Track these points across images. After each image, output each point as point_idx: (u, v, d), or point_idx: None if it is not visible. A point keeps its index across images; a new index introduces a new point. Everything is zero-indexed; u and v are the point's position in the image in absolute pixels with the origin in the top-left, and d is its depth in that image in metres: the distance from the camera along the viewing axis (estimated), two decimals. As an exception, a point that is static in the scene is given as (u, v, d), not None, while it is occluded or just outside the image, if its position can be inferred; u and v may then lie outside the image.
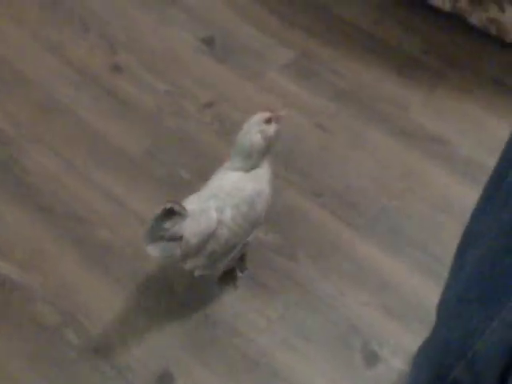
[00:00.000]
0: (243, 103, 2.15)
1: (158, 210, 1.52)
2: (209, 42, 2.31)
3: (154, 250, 1.57)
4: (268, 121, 1.65)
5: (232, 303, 1.74)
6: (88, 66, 2.25)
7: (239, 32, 2.34)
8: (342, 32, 2.33)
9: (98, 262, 1.81)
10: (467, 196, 1.35)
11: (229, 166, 1.68)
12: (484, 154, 1.98)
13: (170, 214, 1.55)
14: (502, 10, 2.14)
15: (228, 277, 1.77)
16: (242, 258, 1.78)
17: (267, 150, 1.66)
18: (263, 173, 1.67)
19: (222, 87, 2.19)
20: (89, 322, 1.70)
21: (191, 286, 1.77)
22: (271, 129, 1.64)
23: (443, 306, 1.37)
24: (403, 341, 1.67)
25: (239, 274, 1.79)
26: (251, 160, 1.65)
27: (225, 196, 1.63)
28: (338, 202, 1.92)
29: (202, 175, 1.95)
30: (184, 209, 1.58)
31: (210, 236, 1.61)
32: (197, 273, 1.67)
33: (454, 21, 2.29)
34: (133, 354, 1.66)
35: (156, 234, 1.55)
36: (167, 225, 1.55)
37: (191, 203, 1.62)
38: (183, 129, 2.09)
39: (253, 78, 2.21)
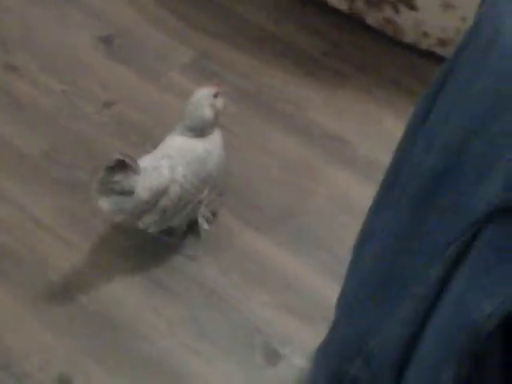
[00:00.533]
0: (143, 103, 2.12)
1: (109, 162, 1.56)
2: (108, 41, 2.28)
3: (104, 203, 1.61)
4: (215, 95, 1.74)
5: (134, 306, 1.72)
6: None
7: (139, 31, 2.32)
8: (242, 32, 2.33)
9: (-4, 266, 1.77)
10: (368, 196, 1.37)
11: (179, 133, 1.76)
12: (384, 154, 1.99)
13: (121, 167, 1.59)
14: (397, 11, 2.18)
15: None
16: (213, 213, 1.86)
17: (216, 121, 1.75)
18: (213, 138, 1.76)
19: (121, 87, 2.16)
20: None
21: (92, 290, 1.74)
22: (219, 102, 1.74)
23: (340, 305, 1.38)
24: (305, 339, 1.68)
25: (205, 226, 1.83)
26: (203, 132, 1.74)
27: (176, 155, 1.71)
28: (240, 202, 1.92)
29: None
30: (136, 163, 1.62)
31: (163, 193, 1.67)
32: (151, 229, 1.73)
33: (353, 21, 2.31)
34: (31, 360, 1.62)
35: (106, 186, 1.59)
36: (118, 177, 1.59)
37: (144, 161, 1.68)
38: (81, 130, 2.05)
39: (152, 78, 2.19)
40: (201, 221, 1.83)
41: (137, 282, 1.76)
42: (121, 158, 1.57)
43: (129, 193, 1.62)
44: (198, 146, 1.74)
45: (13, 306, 1.71)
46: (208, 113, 1.73)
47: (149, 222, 1.70)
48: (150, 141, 2.01)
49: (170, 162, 1.70)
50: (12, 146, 2.00)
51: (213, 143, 1.76)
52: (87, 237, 1.83)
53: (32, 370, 1.61)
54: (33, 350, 1.64)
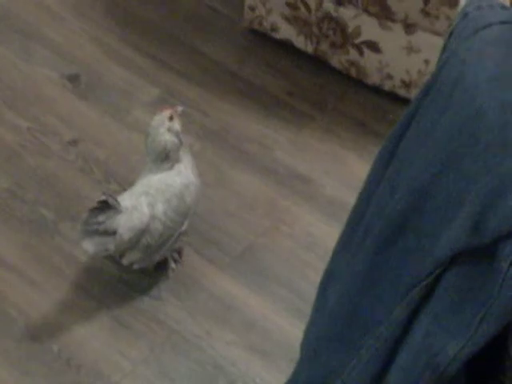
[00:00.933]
0: (108, 141, 2.12)
1: (94, 203, 1.57)
2: (73, 79, 2.28)
3: (88, 245, 1.61)
4: (171, 118, 1.72)
5: (96, 346, 1.71)
6: None
7: (104, 70, 2.32)
8: (208, 71, 2.35)
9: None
10: (331, 234, 1.38)
11: (150, 170, 1.74)
12: (347, 193, 2.02)
13: (104, 207, 1.59)
14: (361, 53, 2.21)
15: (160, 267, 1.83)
16: (179, 252, 1.86)
17: (179, 144, 1.73)
18: (185, 166, 1.75)
19: (87, 125, 2.16)
20: None
21: (55, 329, 1.72)
22: (176, 124, 1.72)
23: (305, 344, 1.38)
24: (269, 379, 1.68)
25: (172, 265, 1.83)
26: (169, 160, 1.72)
27: (155, 192, 1.71)
28: (202, 240, 1.91)
29: (66, 214, 1.93)
30: (118, 202, 1.63)
31: (144, 231, 1.68)
32: (135, 266, 1.74)
33: (317, 63, 2.34)
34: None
35: (90, 227, 1.59)
36: (101, 218, 1.59)
37: (123, 200, 1.67)
38: (46, 167, 2.04)
39: (117, 116, 2.19)
40: (170, 260, 1.83)
41: (100, 321, 1.75)
42: (104, 198, 1.58)
43: (112, 233, 1.62)
44: (176, 180, 1.73)
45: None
46: (167, 137, 1.71)
47: (132, 259, 1.71)
48: (115, 178, 2.02)
49: (149, 199, 1.70)
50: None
51: (187, 174, 1.75)
52: (51, 275, 1.81)
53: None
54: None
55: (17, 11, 2.46)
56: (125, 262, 1.71)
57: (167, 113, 1.73)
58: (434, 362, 0.96)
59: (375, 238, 1.08)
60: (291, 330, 1.75)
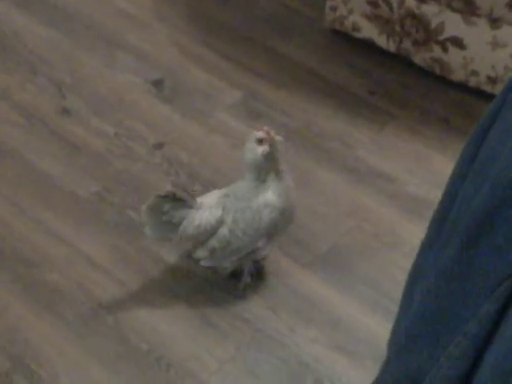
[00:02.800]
0: (192, 144, 2.16)
1: (161, 192, 1.63)
2: (157, 84, 2.32)
3: (148, 230, 1.68)
4: (260, 141, 1.66)
5: (183, 344, 1.73)
6: (36, 109, 2.25)
7: (187, 74, 2.36)
8: (289, 72, 2.36)
9: (48, 305, 1.79)
10: (415, 233, 1.38)
11: (243, 177, 1.74)
12: (431, 191, 2.01)
13: (172, 198, 1.65)
14: (445, 50, 2.19)
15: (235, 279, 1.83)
16: (258, 269, 1.85)
17: (264, 166, 1.67)
18: (273, 187, 1.70)
19: (171, 128, 2.20)
20: (39, 368, 1.68)
21: (142, 328, 1.75)
22: (259, 149, 1.65)
23: (392, 343, 1.37)
24: (355, 378, 1.67)
25: (247, 279, 1.82)
26: (254, 173, 1.69)
27: (234, 199, 1.71)
28: (286, 239, 1.92)
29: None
30: (188, 197, 1.68)
31: (211, 232, 1.70)
32: (202, 263, 1.76)
33: (400, 61, 2.33)
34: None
35: (154, 213, 1.65)
36: (166, 207, 1.64)
37: (206, 197, 1.73)
38: (132, 171, 2.09)
39: (201, 119, 2.22)
40: (245, 273, 1.82)
41: (188, 320, 1.77)
42: (172, 190, 1.64)
43: (177, 224, 1.67)
44: (259, 195, 1.69)
45: (63, 343, 1.72)
46: (248, 155, 1.67)
47: (200, 256, 1.74)
48: (199, 180, 2.05)
49: (226, 203, 1.71)
50: (65, 188, 2.04)
51: (276, 196, 1.70)
52: (139, 276, 1.85)
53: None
54: (85, 388, 1.66)
55: (100, 19, 2.53)
56: (194, 255, 1.75)
57: (258, 135, 1.66)
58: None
59: (462, 234, 1.07)
60: (377, 329, 1.74)
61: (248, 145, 1.68)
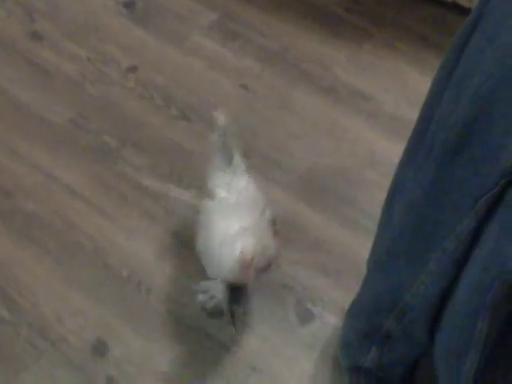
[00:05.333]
0: (167, 66, 2.12)
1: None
2: (129, 5, 2.27)
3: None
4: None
5: (165, 271, 1.73)
6: (5, 34, 2.19)
7: (160, -5, 2.31)
8: (264, -8, 2.31)
9: (27, 235, 1.78)
10: (394, 151, 1.37)
11: None
12: (409, 110, 1.99)
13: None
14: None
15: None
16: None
17: None
18: None
19: (145, 51, 2.16)
20: (20, 297, 1.68)
21: (123, 255, 1.75)
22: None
23: (372, 261, 1.38)
24: (337, 298, 1.68)
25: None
26: None
27: None
28: (265, 162, 1.91)
29: (128, 141, 1.94)
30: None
31: None
32: None
33: (376, -23, 2.29)
34: (66, 325, 1.64)
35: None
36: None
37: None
38: (107, 95, 2.05)
39: (175, 41, 2.18)
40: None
41: (166, 245, 1.77)
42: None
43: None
44: None
45: (44, 272, 1.72)
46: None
47: None
48: (175, 103, 2.02)
49: None
50: (39, 115, 2.00)
51: None
52: (117, 202, 1.84)
53: (67, 334, 1.63)
54: (66, 314, 1.66)
55: None
56: None
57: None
58: (504, 272, 0.95)
59: (440, 149, 1.06)
60: (358, 249, 1.74)
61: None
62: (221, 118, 1.63)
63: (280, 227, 1.75)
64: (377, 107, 2.04)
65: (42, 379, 1.58)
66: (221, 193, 1.60)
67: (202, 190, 1.77)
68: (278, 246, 1.61)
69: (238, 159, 1.65)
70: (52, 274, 1.72)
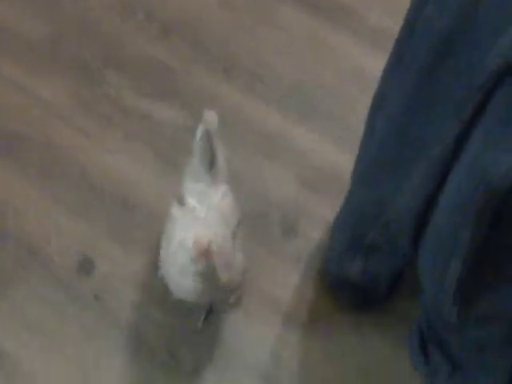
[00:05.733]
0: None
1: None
2: None
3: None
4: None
5: (149, 186, 1.73)
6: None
7: None
8: None
9: (10, 154, 1.77)
10: (378, 66, 1.35)
11: None
12: (392, 23, 1.96)
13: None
14: None
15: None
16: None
17: None
18: None
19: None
20: (4, 217, 1.68)
21: (106, 173, 1.75)
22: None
23: (356, 173, 1.38)
24: (320, 213, 1.69)
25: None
26: None
27: None
28: (248, 77, 1.89)
29: (108, 59, 1.91)
30: None
31: None
32: None
33: None
34: (52, 245, 1.65)
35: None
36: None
37: None
38: (85, 12, 2.01)
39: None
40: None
41: (150, 163, 1.77)
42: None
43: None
44: None
45: (28, 192, 1.72)
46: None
47: None
48: (157, 20, 1.98)
49: None
50: (15, 32, 1.96)
51: None
52: (99, 121, 1.82)
53: (54, 253, 1.64)
54: (53, 234, 1.66)
55: None
56: None
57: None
58: (487, 177, 0.95)
59: (425, 56, 1.05)
60: (343, 164, 1.73)
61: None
62: (211, 118, 1.45)
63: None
64: (360, 21, 2.01)
65: (29, 297, 1.59)
66: (190, 202, 1.41)
67: (187, 107, 1.76)
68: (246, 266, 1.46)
69: (220, 166, 1.46)
70: (38, 195, 1.71)
